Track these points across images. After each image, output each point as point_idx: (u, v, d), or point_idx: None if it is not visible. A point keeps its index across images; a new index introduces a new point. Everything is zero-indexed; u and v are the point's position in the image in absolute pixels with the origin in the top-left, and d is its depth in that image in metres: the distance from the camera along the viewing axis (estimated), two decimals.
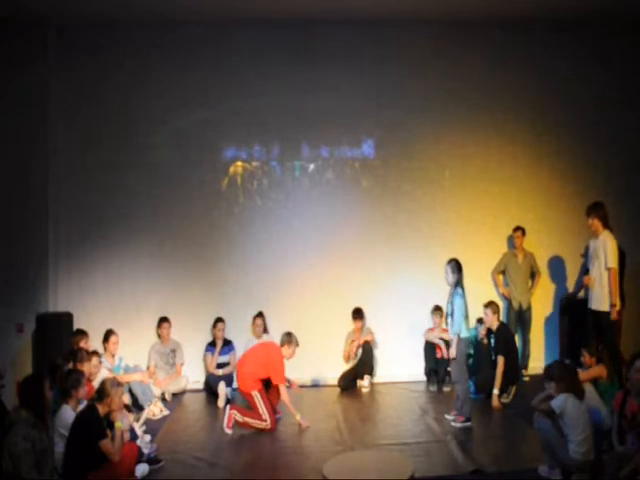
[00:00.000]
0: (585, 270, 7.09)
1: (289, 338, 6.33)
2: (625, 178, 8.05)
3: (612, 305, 6.32)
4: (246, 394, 6.15)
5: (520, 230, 7.72)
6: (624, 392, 4.55)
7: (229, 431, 5.92)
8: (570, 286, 8.01)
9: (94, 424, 4.45)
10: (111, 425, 4.54)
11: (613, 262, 6.32)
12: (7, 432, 4.12)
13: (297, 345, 6.35)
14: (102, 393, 4.60)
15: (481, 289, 7.50)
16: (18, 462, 3.98)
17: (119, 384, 4.81)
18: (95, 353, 6.06)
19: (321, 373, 7.67)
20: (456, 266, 5.97)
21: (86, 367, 5.58)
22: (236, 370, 6.53)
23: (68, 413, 4.76)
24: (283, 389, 6.12)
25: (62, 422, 4.71)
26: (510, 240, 7.91)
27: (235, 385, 7.31)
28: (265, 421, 5.99)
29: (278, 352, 6.28)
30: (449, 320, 6.01)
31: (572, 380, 4.70)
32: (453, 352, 5.91)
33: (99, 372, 5.93)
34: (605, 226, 6.46)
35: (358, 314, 7.55)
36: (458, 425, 5.90)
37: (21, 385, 4.42)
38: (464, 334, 5.92)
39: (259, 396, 6.06)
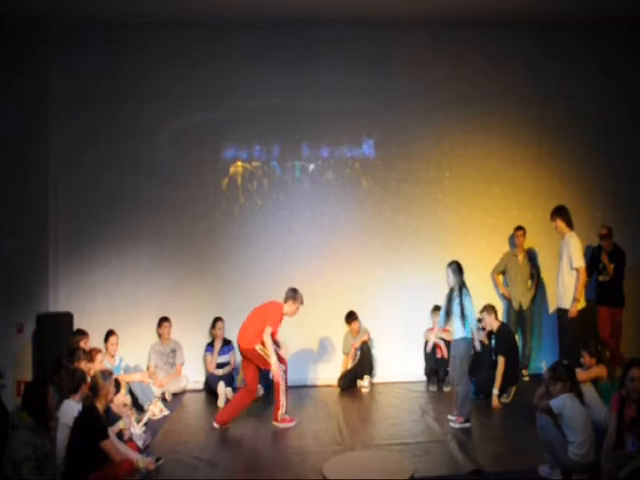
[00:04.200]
0: None
1: (294, 294, 6.14)
2: (625, 178, 8.05)
3: (574, 299, 6.53)
4: (248, 351, 5.97)
5: (522, 230, 7.73)
6: (620, 397, 4.49)
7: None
8: None
9: (94, 425, 4.46)
10: (116, 419, 4.56)
11: (579, 261, 6.58)
12: (8, 435, 4.13)
13: (301, 303, 6.17)
14: (96, 388, 4.63)
15: (481, 289, 7.49)
16: (19, 467, 4.00)
17: (110, 373, 4.82)
18: (97, 350, 6.06)
19: (321, 373, 7.66)
20: (457, 268, 5.96)
21: (83, 366, 5.57)
22: (237, 334, 6.24)
23: (72, 405, 4.77)
24: (267, 331, 5.88)
25: (67, 414, 4.71)
26: (511, 239, 7.92)
27: (235, 385, 7.33)
28: (274, 364, 5.89)
29: (278, 307, 6.11)
30: (455, 321, 5.95)
31: (572, 381, 4.72)
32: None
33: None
34: (570, 227, 6.71)
35: (351, 317, 7.49)
36: (457, 426, 5.90)
37: (24, 390, 4.43)
38: (465, 334, 5.91)
39: (262, 348, 5.91)
